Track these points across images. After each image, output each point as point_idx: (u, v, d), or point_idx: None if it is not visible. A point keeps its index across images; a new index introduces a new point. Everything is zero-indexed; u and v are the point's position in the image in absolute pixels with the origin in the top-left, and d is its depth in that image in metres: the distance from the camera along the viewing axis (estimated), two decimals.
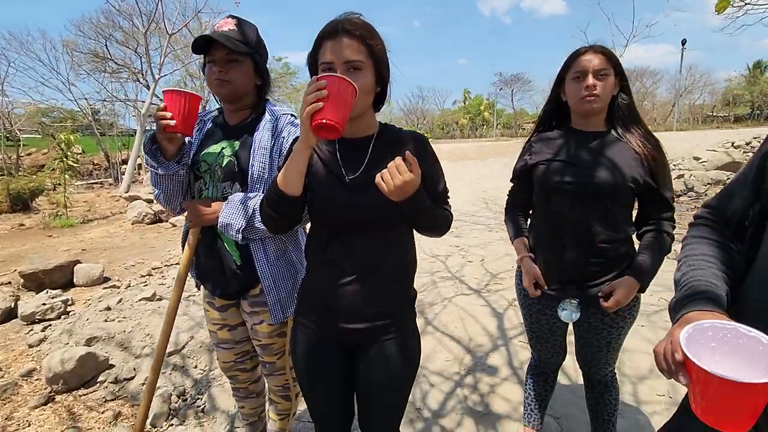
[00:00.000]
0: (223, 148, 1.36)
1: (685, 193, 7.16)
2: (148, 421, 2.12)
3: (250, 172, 1.32)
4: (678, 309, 0.67)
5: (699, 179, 7.33)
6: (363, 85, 0.99)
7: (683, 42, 23.03)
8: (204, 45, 1.27)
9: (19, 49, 17.52)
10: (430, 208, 1.08)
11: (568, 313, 1.41)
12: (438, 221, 1.13)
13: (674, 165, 9.12)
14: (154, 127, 1.27)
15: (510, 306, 3.22)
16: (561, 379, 2.26)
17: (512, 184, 1.63)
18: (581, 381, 1.65)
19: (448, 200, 1.20)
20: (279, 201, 1.04)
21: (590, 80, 1.30)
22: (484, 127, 50.35)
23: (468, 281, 3.83)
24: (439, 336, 2.83)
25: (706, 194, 6.86)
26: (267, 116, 1.37)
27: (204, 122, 1.44)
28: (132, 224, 7.23)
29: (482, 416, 2.02)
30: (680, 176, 7.68)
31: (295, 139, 1.05)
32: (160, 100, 1.26)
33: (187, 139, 1.37)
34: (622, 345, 1.49)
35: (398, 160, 0.96)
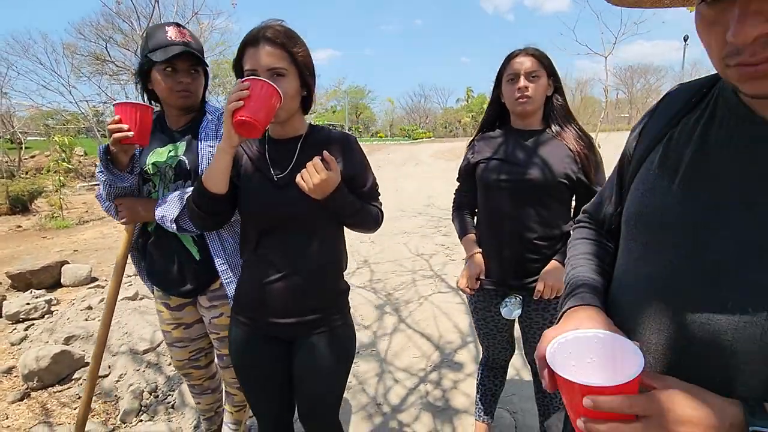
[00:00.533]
0: (170, 151, 1.41)
1: None
2: (118, 416, 2.19)
3: (200, 171, 1.37)
4: (562, 306, 0.71)
5: None
6: (287, 91, 1.04)
7: (685, 38, 22.85)
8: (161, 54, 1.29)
9: (21, 53, 17.73)
10: (354, 204, 1.12)
11: (509, 309, 1.45)
12: (365, 217, 1.17)
13: None
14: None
15: None
16: (523, 374, 2.30)
17: (458, 183, 1.67)
18: None
19: (378, 197, 1.24)
20: (203, 198, 1.09)
21: (522, 82, 1.34)
22: None
23: (448, 279, 3.86)
24: (410, 333, 2.87)
25: None
26: (208, 116, 1.42)
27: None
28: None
29: (440, 411, 2.06)
30: None
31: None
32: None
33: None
34: None
35: (316, 159, 1.01)
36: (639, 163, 0.66)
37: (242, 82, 0.97)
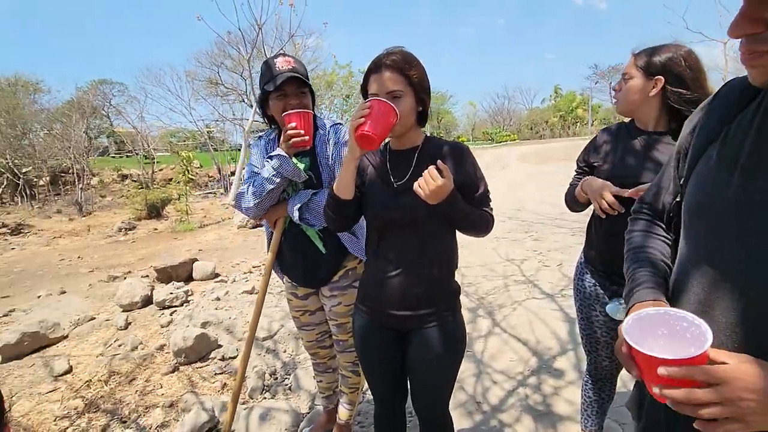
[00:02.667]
0: (295, 165, 1.65)
1: None
2: (247, 392, 2.54)
3: (322, 179, 1.61)
4: (627, 302, 0.76)
5: None
6: (403, 109, 1.19)
7: None
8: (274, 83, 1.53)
9: (155, 82, 21.01)
10: (466, 210, 1.22)
11: (615, 307, 1.40)
12: (475, 222, 1.26)
13: None
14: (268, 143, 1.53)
15: None
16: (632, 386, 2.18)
17: (575, 173, 1.63)
18: None
19: (489, 203, 1.32)
20: (335, 203, 1.28)
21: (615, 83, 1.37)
22: (577, 125, 46.74)
23: (542, 285, 3.76)
24: (506, 337, 2.87)
25: None
26: (320, 131, 1.63)
27: (271, 142, 1.70)
28: (237, 228, 8.27)
29: (542, 415, 2.06)
30: None
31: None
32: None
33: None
34: None
35: (431, 168, 1.13)
36: (695, 158, 0.70)
37: (365, 103, 1.15)
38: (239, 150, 15.63)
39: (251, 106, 14.82)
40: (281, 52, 1.65)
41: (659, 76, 1.32)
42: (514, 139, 44.71)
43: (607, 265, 1.45)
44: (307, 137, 1.47)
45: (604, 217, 1.35)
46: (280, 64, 1.56)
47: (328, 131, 1.63)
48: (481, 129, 53.74)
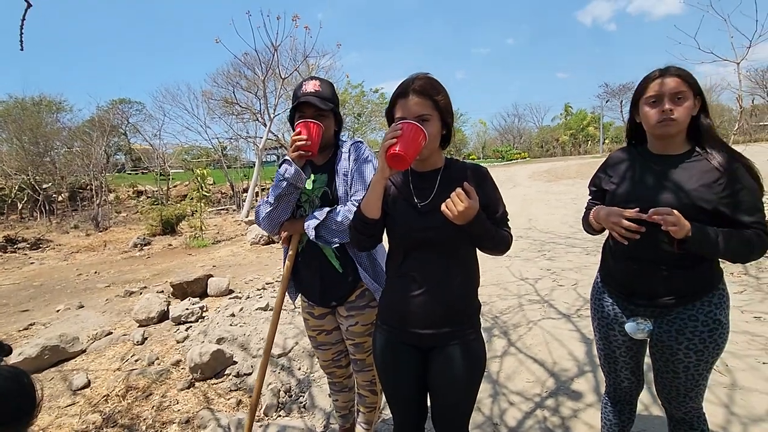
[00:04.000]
0: (314, 182, 1.70)
1: None
2: (262, 409, 2.54)
3: (338, 197, 1.65)
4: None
5: None
6: (431, 132, 1.23)
7: None
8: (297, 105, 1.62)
9: (171, 102, 21.66)
10: (490, 230, 1.25)
11: (635, 326, 1.39)
12: (498, 241, 1.29)
13: None
14: (275, 158, 1.61)
15: None
16: (653, 410, 2.14)
17: (589, 198, 1.64)
18: None
19: (508, 222, 1.36)
20: (362, 223, 1.31)
21: (666, 104, 1.30)
22: (589, 143, 46.59)
23: (557, 305, 3.72)
24: (522, 357, 2.84)
25: None
26: (342, 149, 1.68)
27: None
28: (251, 245, 8.35)
29: None
30: None
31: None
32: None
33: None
34: (709, 377, 1.40)
35: (458, 190, 1.17)
36: None
37: (396, 124, 1.19)
38: (252, 167, 15.89)
39: (265, 125, 15.14)
40: (313, 76, 1.72)
41: (698, 97, 1.33)
42: (525, 157, 44.73)
43: (626, 285, 1.45)
44: (309, 142, 1.52)
45: (626, 243, 1.34)
46: (306, 86, 1.64)
47: (350, 148, 1.68)
48: (492, 147, 53.82)
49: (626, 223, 1.30)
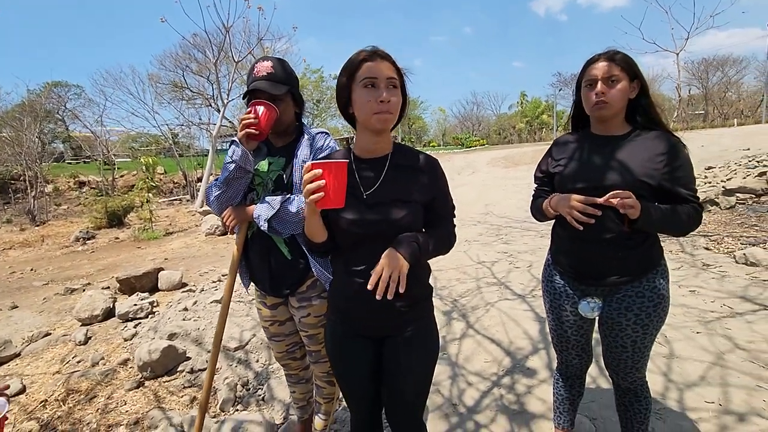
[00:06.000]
0: (270, 164, 1.62)
1: None
2: (217, 405, 2.45)
3: (294, 183, 1.57)
4: None
5: None
6: (398, 101, 1.17)
7: None
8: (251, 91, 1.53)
9: (114, 85, 20.16)
10: (428, 253, 1.23)
11: (587, 305, 1.44)
12: (440, 251, 1.27)
13: (758, 161, 8.25)
14: (227, 145, 1.51)
15: None
16: (600, 381, 2.26)
17: (535, 185, 1.67)
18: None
19: (453, 217, 1.34)
20: (313, 245, 1.28)
21: (599, 87, 1.34)
22: (543, 130, 48.37)
23: (513, 287, 3.85)
24: (480, 339, 2.91)
25: None
26: (305, 136, 1.61)
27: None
28: (205, 236, 8.01)
29: (516, 414, 2.09)
30: (763, 173, 6.96)
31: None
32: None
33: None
34: (651, 348, 1.46)
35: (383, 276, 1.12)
36: None
37: (312, 168, 1.05)
38: (206, 155, 15.21)
39: (218, 111, 14.48)
40: (265, 56, 1.61)
41: (636, 80, 1.37)
42: (483, 144, 45.76)
43: (575, 266, 1.49)
44: (256, 122, 1.46)
45: (581, 229, 1.36)
46: (259, 69, 1.55)
47: (313, 137, 1.62)
48: (452, 134, 54.66)
49: (579, 206, 1.33)
